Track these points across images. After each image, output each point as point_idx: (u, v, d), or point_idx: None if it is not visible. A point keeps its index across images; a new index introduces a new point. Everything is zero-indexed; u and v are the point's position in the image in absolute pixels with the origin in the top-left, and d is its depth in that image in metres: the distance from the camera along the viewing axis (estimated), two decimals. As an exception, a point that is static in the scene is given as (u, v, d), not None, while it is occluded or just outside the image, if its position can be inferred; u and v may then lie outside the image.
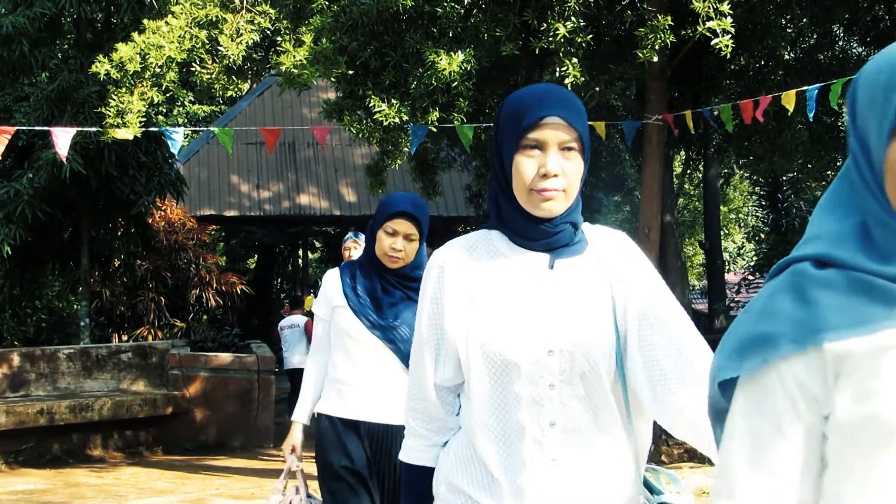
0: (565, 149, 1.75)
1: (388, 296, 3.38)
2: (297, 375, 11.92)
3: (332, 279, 3.52)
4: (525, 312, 1.77)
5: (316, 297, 3.79)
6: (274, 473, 8.56)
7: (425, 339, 1.89)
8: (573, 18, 7.42)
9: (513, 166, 1.77)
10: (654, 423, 1.85)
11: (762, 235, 18.45)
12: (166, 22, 8.07)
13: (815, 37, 10.75)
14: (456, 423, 1.91)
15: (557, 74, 7.44)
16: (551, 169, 1.73)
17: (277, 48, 8.32)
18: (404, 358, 3.26)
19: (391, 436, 3.34)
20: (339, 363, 3.45)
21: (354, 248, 6.15)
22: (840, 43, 11.12)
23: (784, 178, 15.34)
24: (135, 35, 8.06)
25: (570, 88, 5.81)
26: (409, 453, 1.96)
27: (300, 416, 3.59)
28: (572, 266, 1.81)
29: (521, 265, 1.81)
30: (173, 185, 12.47)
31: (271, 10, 8.61)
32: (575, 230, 1.83)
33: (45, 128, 9.17)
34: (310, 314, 9.77)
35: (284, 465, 3.62)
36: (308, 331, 11.88)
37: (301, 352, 12.00)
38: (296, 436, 3.61)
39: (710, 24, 7.09)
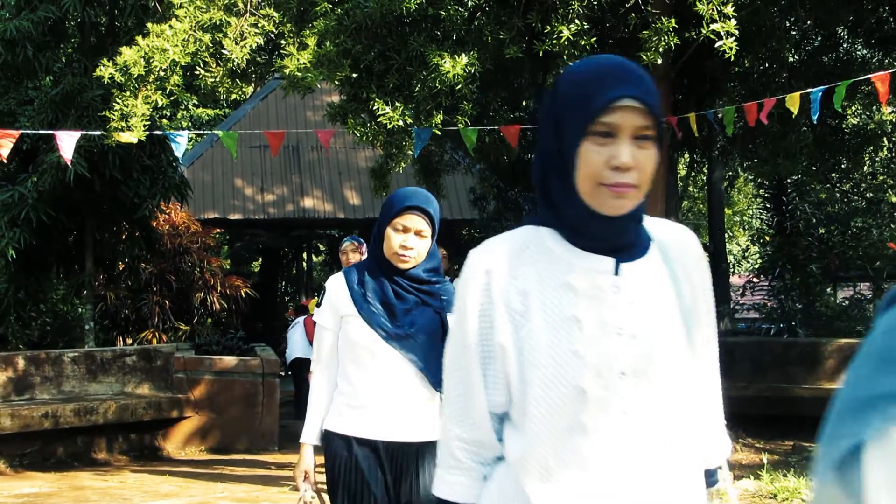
0: (640, 137, 1.48)
1: (401, 301, 3.04)
2: (298, 366, 12.05)
3: (337, 285, 3.15)
4: (591, 328, 1.51)
5: (319, 302, 3.63)
6: (279, 478, 8.56)
7: (473, 358, 1.59)
8: (577, 21, 7.42)
9: (577, 154, 1.49)
10: None
11: (767, 238, 18.38)
12: (170, 26, 8.07)
13: (819, 39, 10.74)
14: (501, 451, 1.64)
15: (561, 77, 7.43)
16: (625, 161, 1.47)
17: (281, 51, 8.32)
18: (423, 370, 3.01)
19: (411, 455, 3.04)
20: (351, 377, 3.10)
21: (352, 251, 6.10)
22: (844, 45, 11.11)
23: (788, 180, 15.29)
24: (139, 39, 8.06)
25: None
26: (455, 489, 1.66)
27: (309, 437, 3.19)
28: (640, 270, 1.56)
29: (582, 271, 1.54)
30: (177, 189, 12.48)
31: (275, 14, 8.62)
32: (639, 226, 1.60)
33: (50, 131, 9.19)
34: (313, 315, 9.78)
35: (298, 494, 3.22)
36: (307, 326, 11.97)
37: (301, 344, 12.08)
38: (307, 460, 3.20)
39: (713, 26, 7.08)
